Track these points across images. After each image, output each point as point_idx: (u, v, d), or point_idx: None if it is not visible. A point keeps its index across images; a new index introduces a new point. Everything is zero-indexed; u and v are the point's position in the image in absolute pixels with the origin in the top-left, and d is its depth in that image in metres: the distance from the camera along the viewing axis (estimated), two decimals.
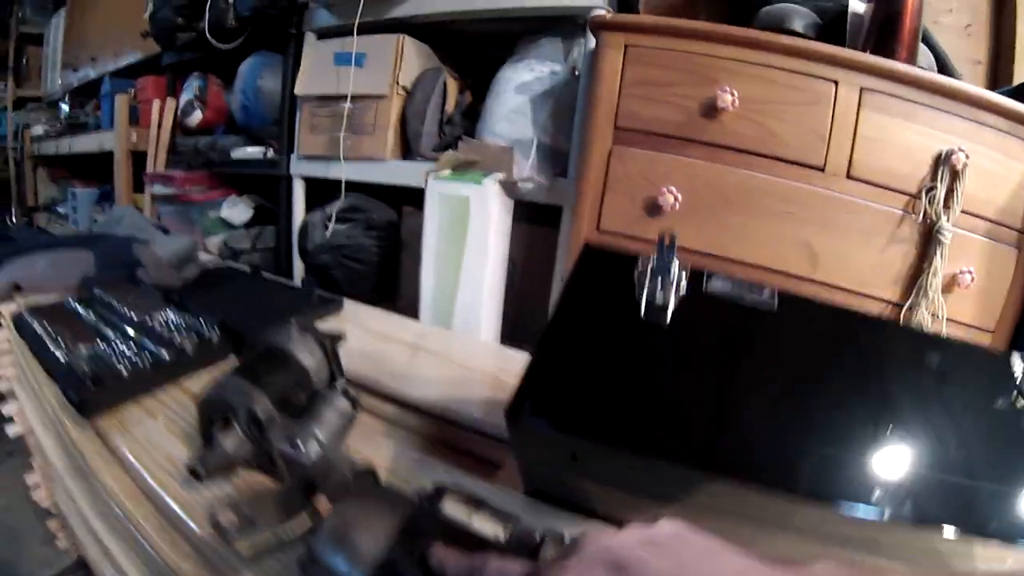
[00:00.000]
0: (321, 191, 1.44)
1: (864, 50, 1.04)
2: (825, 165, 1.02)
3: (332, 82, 1.26)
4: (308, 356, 0.62)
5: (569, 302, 0.57)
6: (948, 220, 1.03)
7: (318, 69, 1.32)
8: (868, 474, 0.46)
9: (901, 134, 1.02)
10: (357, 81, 1.21)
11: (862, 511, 0.43)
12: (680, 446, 0.47)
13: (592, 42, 1.10)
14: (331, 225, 1.19)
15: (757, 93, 0.99)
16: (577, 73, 1.14)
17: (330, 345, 0.64)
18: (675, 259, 0.58)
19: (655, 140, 1.02)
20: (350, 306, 1.00)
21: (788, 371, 0.56)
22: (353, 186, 1.26)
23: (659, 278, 0.56)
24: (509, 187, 1.07)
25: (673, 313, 0.55)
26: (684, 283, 0.59)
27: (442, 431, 0.70)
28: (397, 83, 1.22)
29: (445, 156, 1.07)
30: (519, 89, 1.13)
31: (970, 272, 1.08)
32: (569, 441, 0.47)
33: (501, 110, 1.14)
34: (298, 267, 1.44)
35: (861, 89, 1.01)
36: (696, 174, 1.02)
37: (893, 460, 0.47)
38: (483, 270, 1.00)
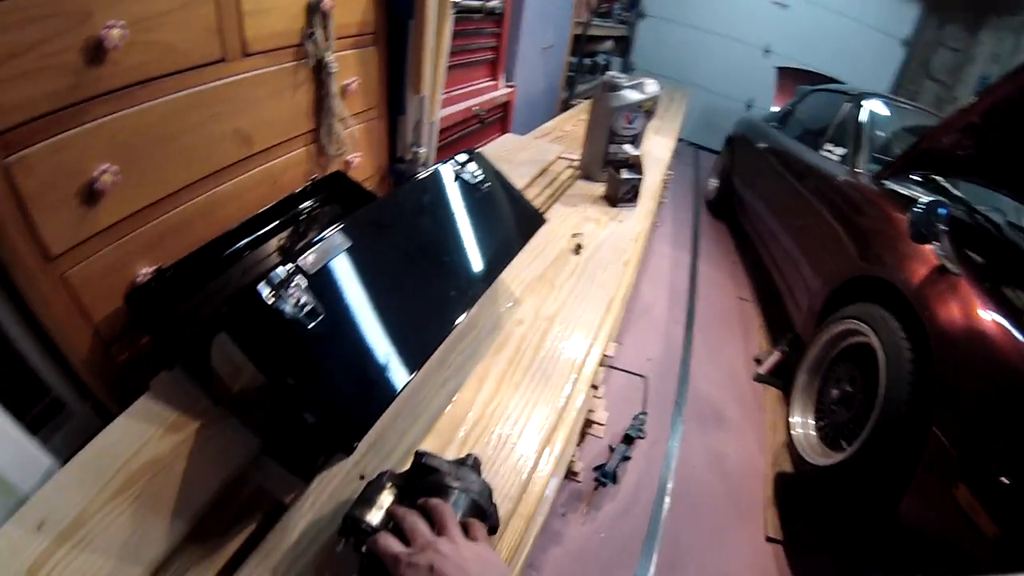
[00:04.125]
0: None
1: None
2: (225, 54, 1.05)
3: None
4: None
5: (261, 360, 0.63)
6: (330, 52, 1.26)
7: None
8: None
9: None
10: None
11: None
12: None
13: None
14: None
15: (141, 10, 0.88)
16: None
17: None
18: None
19: (54, 121, 0.82)
20: None
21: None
22: None
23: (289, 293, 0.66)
24: None
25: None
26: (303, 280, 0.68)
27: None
28: None
29: None
30: None
31: (355, 80, 1.40)
32: None
33: None
34: None
35: None
36: (117, 132, 0.90)
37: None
38: None
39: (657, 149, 2.49)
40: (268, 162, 1.25)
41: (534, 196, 1.73)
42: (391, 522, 0.58)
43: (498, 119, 2.51)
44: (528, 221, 1.09)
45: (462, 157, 1.03)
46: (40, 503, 0.73)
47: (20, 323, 0.91)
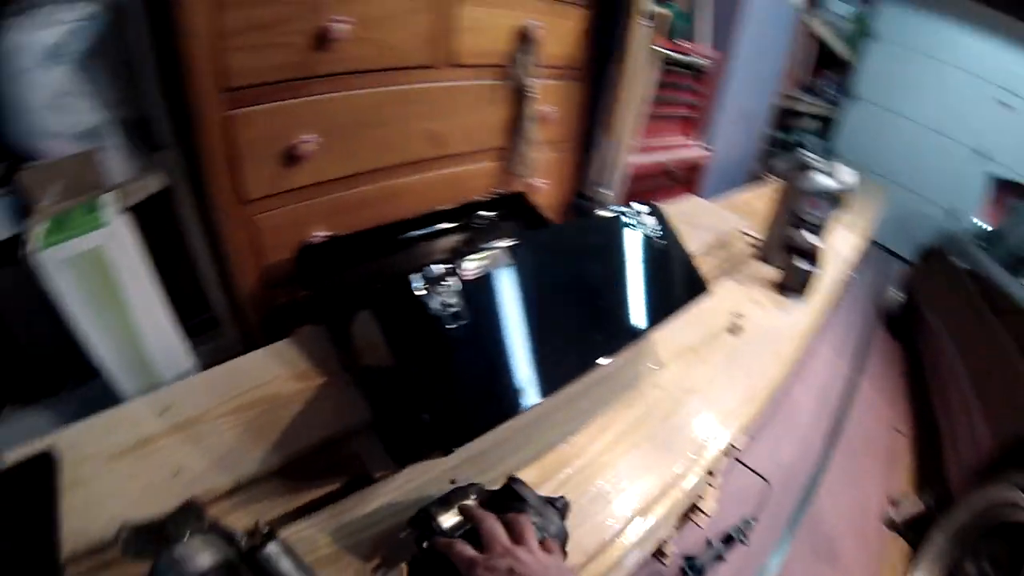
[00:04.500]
0: None
1: None
2: (434, 61, 1.15)
3: None
4: None
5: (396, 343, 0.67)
6: (532, 78, 1.32)
7: None
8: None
9: (489, 20, 1.19)
10: None
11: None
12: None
13: None
14: None
15: (369, 11, 1.00)
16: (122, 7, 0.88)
17: None
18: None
19: (274, 90, 0.95)
20: (59, 440, 0.76)
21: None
22: None
23: (440, 291, 0.69)
24: (120, 200, 0.90)
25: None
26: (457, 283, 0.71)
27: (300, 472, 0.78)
28: None
29: (37, 212, 0.83)
30: (51, 59, 0.85)
31: (552, 109, 1.45)
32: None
33: (37, 98, 0.86)
34: None
35: None
36: (326, 110, 1.02)
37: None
38: (155, 306, 0.92)
39: (842, 245, 2.30)
40: (456, 167, 1.33)
41: (706, 266, 1.67)
42: (461, 530, 0.59)
43: (688, 179, 2.46)
44: (692, 287, 1.05)
45: (642, 207, 1.02)
46: (171, 393, 0.84)
47: (207, 247, 1.07)
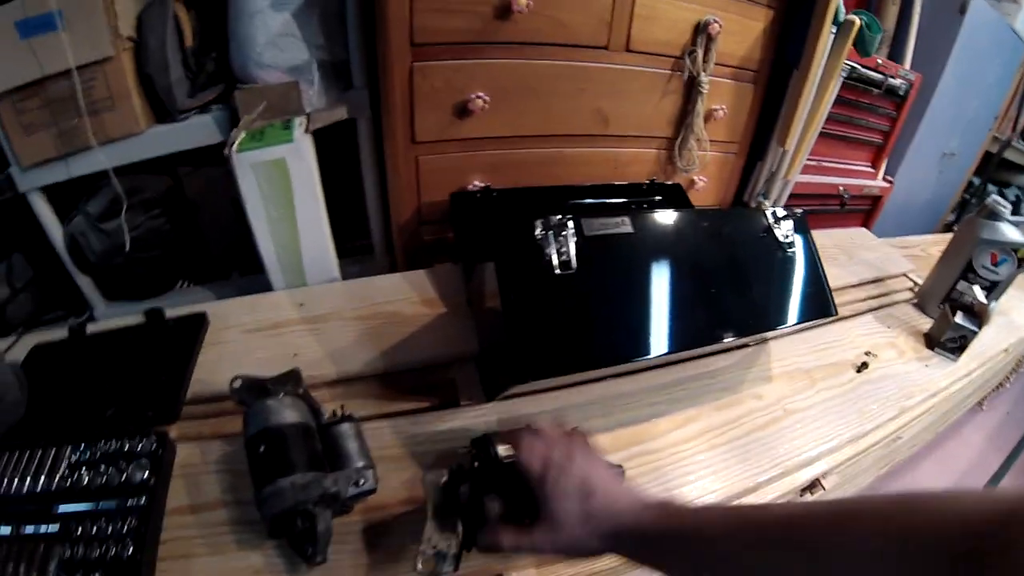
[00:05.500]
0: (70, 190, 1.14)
1: None
2: (608, 43, 1.18)
3: (29, 62, 0.94)
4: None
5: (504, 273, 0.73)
6: (706, 73, 1.30)
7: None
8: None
9: (669, 11, 1.20)
10: (64, 50, 0.93)
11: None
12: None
13: None
14: (105, 225, 1.08)
15: None
16: None
17: None
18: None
19: (455, 49, 1.05)
20: (212, 309, 0.97)
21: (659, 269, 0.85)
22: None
23: (558, 239, 0.75)
24: (308, 124, 1.05)
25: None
26: (574, 235, 0.76)
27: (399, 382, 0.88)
28: (119, 35, 0.97)
29: (242, 125, 1.02)
30: (276, 6, 1.02)
31: (722, 108, 1.42)
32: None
33: (262, 37, 1.03)
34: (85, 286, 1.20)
35: None
36: (499, 73, 1.11)
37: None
38: (318, 218, 1.07)
39: (1021, 315, 2.01)
40: (618, 148, 1.36)
41: (852, 298, 1.55)
42: (512, 459, 0.62)
43: (862, 210, 2.24)
44: (816, 305, 1.00)
45: (782, 212, 1.00)
46: (310, 293, 1.01)
47: (375, 178, 1.21)
